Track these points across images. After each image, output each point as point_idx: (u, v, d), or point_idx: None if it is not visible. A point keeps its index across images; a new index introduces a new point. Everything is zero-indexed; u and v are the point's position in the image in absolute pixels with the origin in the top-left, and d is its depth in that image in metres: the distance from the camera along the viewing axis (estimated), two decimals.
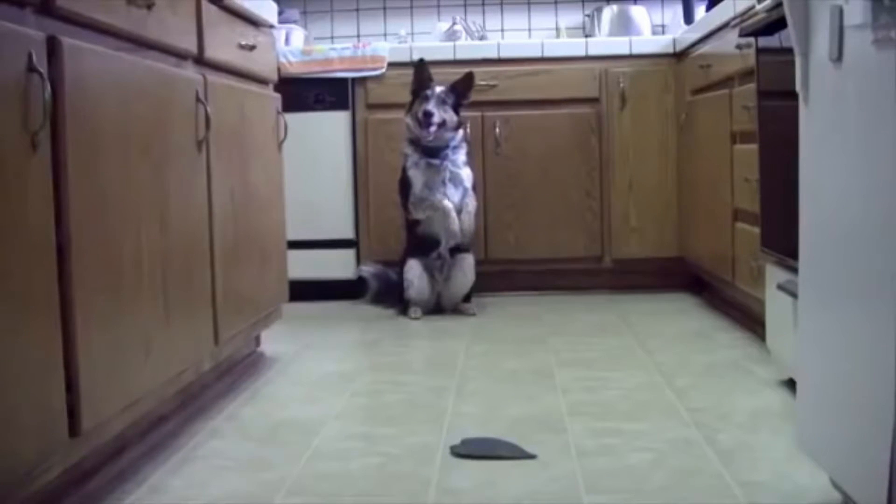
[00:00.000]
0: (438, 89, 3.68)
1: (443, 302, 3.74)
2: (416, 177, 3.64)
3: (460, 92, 3.71)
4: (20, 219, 1.43)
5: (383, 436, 2.15)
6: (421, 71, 3.74)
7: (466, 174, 3.70)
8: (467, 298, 3.75)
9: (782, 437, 1.99)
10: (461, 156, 3.71)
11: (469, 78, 3.72)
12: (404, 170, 3.70)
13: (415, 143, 3.68)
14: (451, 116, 3.66)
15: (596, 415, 2.25)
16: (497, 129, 4.02)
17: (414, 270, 3.66)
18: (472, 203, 3.68)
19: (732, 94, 3.07)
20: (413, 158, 3.68)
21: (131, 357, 1.82)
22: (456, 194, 3.65)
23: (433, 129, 3.58)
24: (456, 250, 3.71)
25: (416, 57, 3.93)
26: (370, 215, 4.11)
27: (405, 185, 3.68)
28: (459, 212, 3.63)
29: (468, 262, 3.73)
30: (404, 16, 4.78)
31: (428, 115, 3.58)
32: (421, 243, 3.70)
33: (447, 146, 3.67)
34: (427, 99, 3.65)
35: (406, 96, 3.76)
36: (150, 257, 1.91)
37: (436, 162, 3.64)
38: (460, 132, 3.74)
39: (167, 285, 2.00)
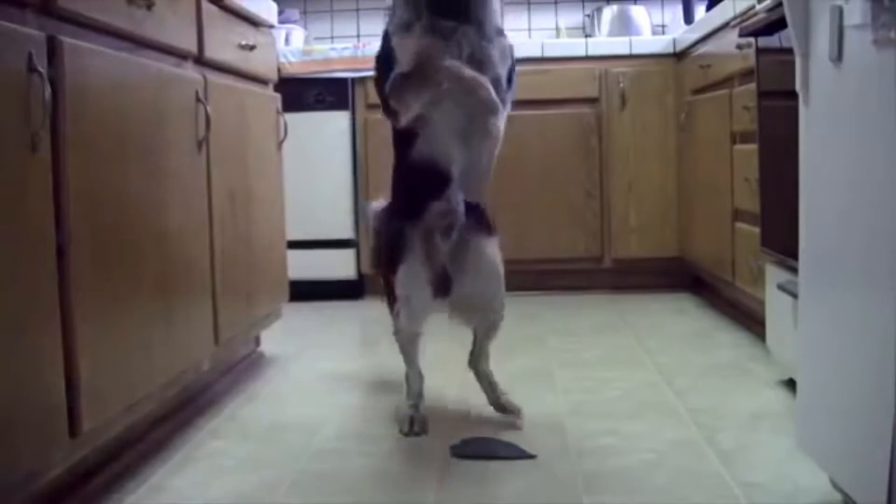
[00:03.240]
0: None
1: (452, 303, 2.21)
2: (405, 47, 2.02)
3: None
4: (20, 219, 1.43)
5: (383, 436, 2.15)
6: None
7: (501, 50, 2.06)
8: (491, 387, 2.28)
9: (782, 437, 1.99)
10: (491, 16, 2.06)
11: None
12: (385, 40, 2.11)
13: None
14: None
15: (596, 415, 2.25)
16: None
17: (410, 280, 2.12)
18: (502, 118, 2.08)
19: (732, 94, 3.07)
20: (401, 19, 2.06)
21: (131, 357, 1.81)
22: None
23: None
24: (468, 225, 2.14)
25: None
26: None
27: (384, 63, 2.08)
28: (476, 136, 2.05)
29: (490, 249, 2.20)
30: None
31: None
32: (413, 181, 2.13)
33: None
34: None
35: None
36: (149, 257, 1.91)
37: (448, 24, 1.99)
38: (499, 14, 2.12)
39: (167, 285, 2.00)
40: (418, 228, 2.11)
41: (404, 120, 2.06)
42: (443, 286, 2.16)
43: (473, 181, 2.11)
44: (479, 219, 2.19)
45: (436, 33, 1.99)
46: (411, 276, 2.11)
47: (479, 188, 2.14)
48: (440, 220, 2.09)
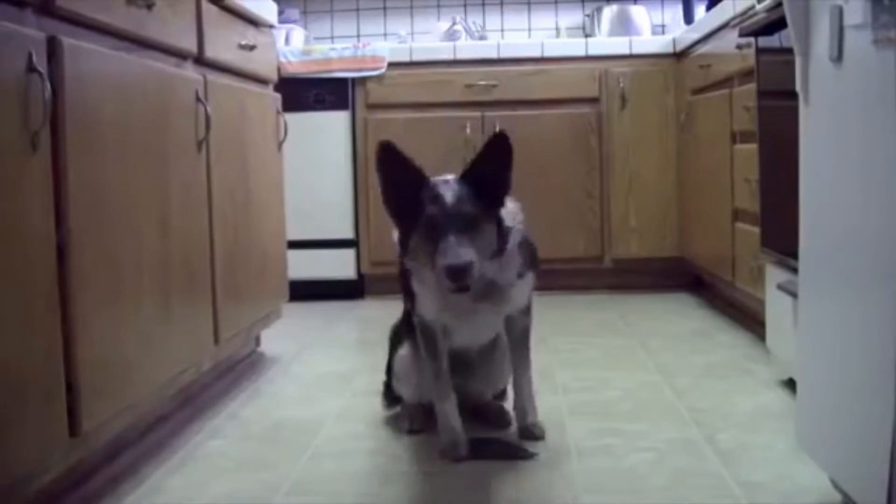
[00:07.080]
0: (450, 194, 1.84)
1: (468, 396, 2.19)
2: (426, 296, 1.99)
3: (491, 172, 1.93)
4: (20, 219, 1.43)
5: (383, 435, 2.15)
6: (394, 164, 1.90)
7: (520, 291, 2.02)
8: (501, 395, 2.28)
9: (782, 437, 1.99)
10: (511, 270, 1.98)
11: (499, 142, 1.95)
12: (404, 267, 2.01)
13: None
14: (489, 240, 1.86)
15: (596, 415, 2.25)
16: (497, 130, 4.01)
17: (410, 364, 2.18)
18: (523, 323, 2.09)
19: (732, 94, 3.07)
20: (423, 274, 1.94)
21: (131, 357, 1.82)
22: (494, 319, 2.06)
23: (471, 281, 1.78)
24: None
25: (415, 58, 3.89)
26: (370, 215, 4.10)
27: (408, 281, 2.03)
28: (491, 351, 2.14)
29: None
30: (404, 16, 4.78)
31: (457, 273, 1.75)
32: (430, 341, 2.06)
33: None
34: (436, 228, 1.80)
35: (406, 95, 3.71)
36: (150, 257, 1.91)
37: (463, 298, 1.85)
38: (512, 238, 1.95)
39: (167, 285, 2.00)
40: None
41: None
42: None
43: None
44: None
45: (452, 297, 1.86)
46: (412, 363, 2.16)
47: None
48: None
